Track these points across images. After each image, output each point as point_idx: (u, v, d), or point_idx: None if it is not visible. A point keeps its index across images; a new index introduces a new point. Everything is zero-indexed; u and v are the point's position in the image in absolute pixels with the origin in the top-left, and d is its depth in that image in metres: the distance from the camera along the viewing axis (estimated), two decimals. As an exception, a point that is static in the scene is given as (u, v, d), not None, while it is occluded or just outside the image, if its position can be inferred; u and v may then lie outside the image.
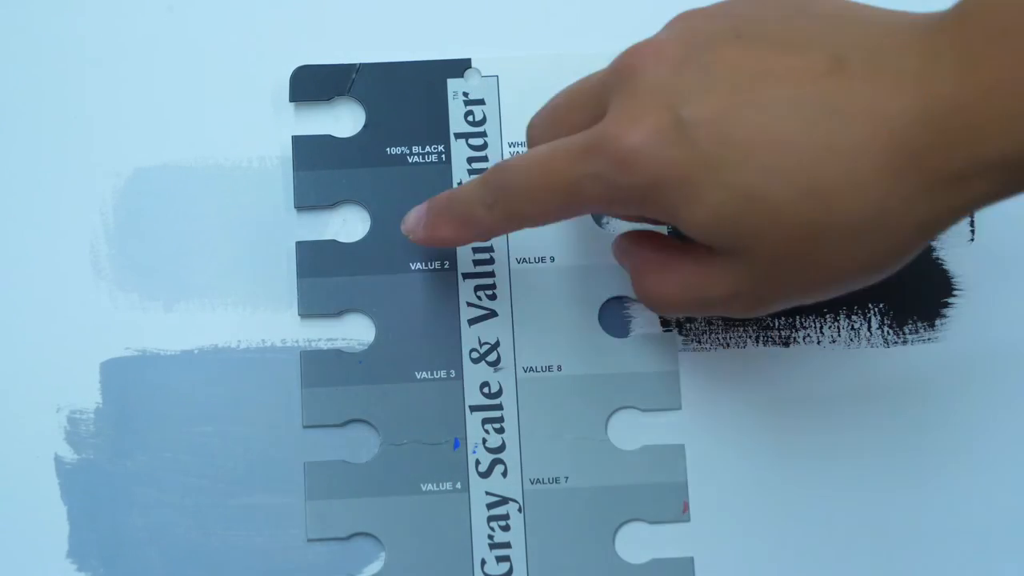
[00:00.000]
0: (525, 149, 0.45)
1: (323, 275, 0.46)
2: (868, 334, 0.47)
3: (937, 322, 0.47)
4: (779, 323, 0.47)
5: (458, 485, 0.45)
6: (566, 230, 0.46)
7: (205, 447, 0.46)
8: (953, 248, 0.48)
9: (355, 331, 0.47)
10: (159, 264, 0.48)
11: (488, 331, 0.46)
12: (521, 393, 0.45)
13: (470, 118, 0.47)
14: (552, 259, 0.46)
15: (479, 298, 0.46)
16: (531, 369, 0.45)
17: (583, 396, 0.45)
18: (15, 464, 0.46)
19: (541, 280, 0.46)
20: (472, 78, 0.47)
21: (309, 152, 0.47)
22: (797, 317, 0.47)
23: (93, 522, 0.46)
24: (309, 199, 0.47)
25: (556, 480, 0.45)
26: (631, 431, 0.46)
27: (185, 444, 0.46)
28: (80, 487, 0.46)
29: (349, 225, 0.47)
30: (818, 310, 0.47)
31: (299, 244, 0.47)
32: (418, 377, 0.45)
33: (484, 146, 0.47)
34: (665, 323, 0.47)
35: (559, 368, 0.45)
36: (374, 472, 0.45)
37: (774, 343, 0.47)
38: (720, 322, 0.47)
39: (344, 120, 0.48)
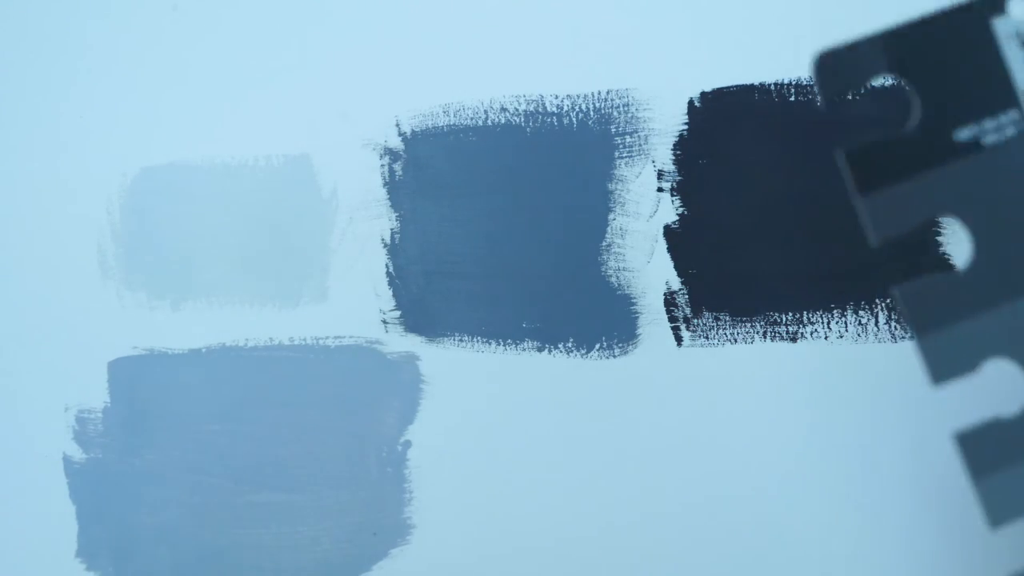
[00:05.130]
0: None
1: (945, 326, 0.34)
2: (876, 329, 0.47)
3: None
4: (786, 319, 0.47)
5: None
6: None
7: (213, 445, 0.46)
8: (959, 243, 0.48)
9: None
10: (166, 263, 0.48)
11: None
12: None
13: None
14: None
15: None
16: None
17: None
18: (24, 464, 0.46)
19: None
20: (1020, 10, 0.35)
21: (868, 167, 0.35)
22: (804, 313, 0.47)
23: (102, 521, 0.46)
24: (888, 226, 0.34)
25: None
26: None
27: (193, 442, 0.46)
28: (89, 486, 0.46)
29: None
30: (825, 305, 0.47)
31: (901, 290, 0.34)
32: None
33: None
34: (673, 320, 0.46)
35: None
36: None
37: (781, 339, 0.47)
38: (728, 317, 0.47)
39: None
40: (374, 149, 0.49)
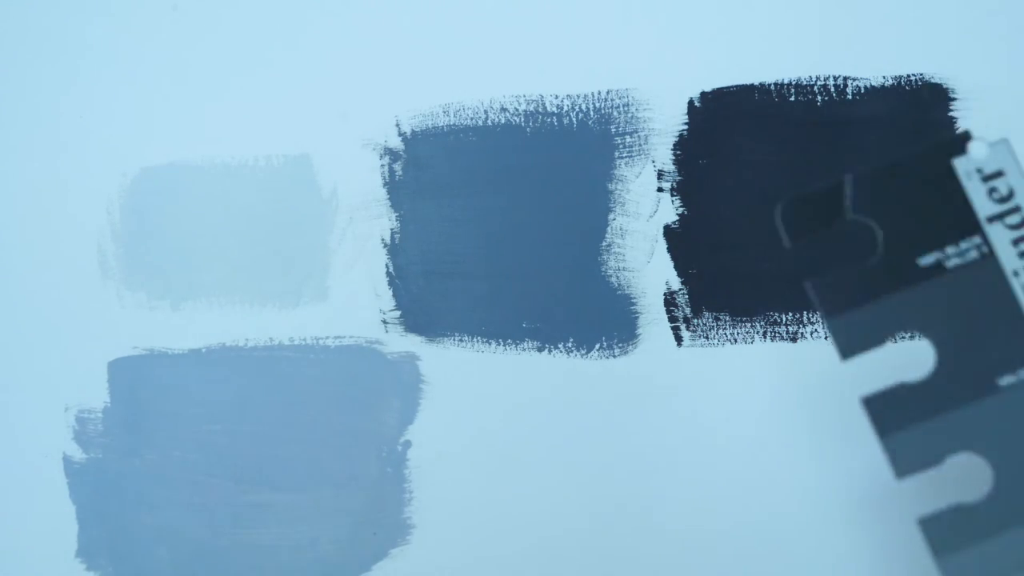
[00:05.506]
0: None
1: (909, 425, 0.38)
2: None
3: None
4: (786, 319, 0.47)
5: None
6: None
7: (213, 445, 0.46)
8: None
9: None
10: (166, 263, 0.48)
11: None
12: None
13: (995, 195, 0.39)
14: None
15: None
16: None
17: None
18: (24, 463, 0.46)
19: None
20: (978, 150, 0.39)
21: (835, 296, 0.38)
22: (804, 313, 0.47)
23: (102, 521, 0.46)
24: (854, 347, 0.38)
25: None
26: None
27: (193, 442, 0.46)
28: (89, 486, 0.46)
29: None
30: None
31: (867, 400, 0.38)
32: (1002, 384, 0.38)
33: (1023, 223, 0.38)
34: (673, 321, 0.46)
35: None
36: (997, 509, 0.37)
37: (781, 339, 0.47)
38: (728, 317, 0.47)
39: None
40: (374, 149, 0.49)
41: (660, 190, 0.47)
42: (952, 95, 0.49)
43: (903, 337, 0.41)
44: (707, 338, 0.47)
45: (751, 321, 0.47)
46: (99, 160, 0.48)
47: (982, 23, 0.49)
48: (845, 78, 0.49)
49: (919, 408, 0.37)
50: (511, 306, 0.48)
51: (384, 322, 0.48)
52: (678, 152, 0.47)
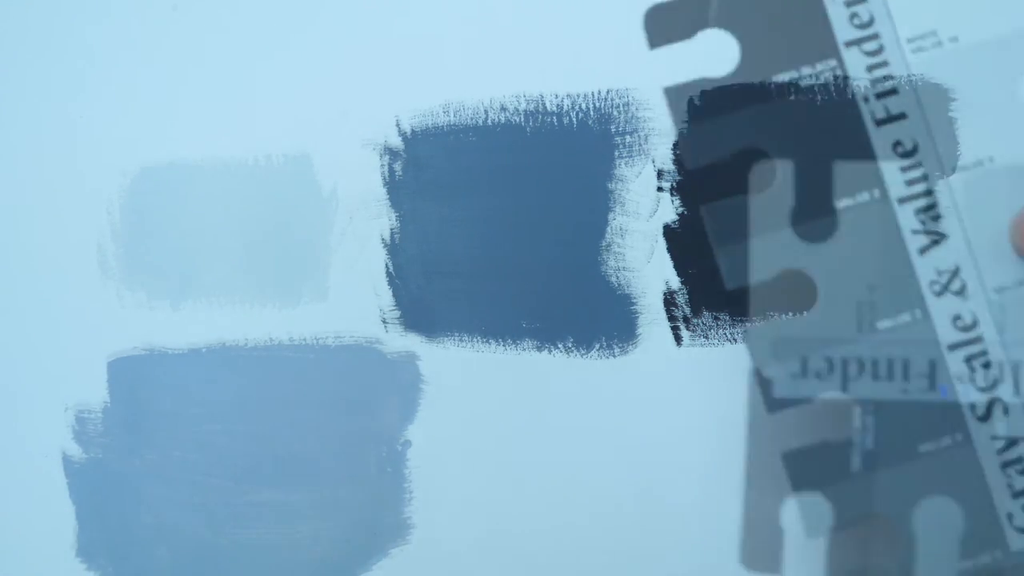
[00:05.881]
0: (925, 43, 0.40)
1: (739, 241, 0.41)
2: (875, 329, 0.47)
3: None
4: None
5: (958, 437, 0.40)
6: (998, 120, 0.40)
7: (213, 445, 0.46)
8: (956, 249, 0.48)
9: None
10: (166, 262, 0.48)
11: (943, 258, 0.40)
12: (999, 316, 0.39)
13: (856, 20, 0.41)
14: (991, 159, 0.40)
15: (922, 223, 0.40)
16: (1003, 289, 0.39)
17: None
18: (23, 463, 0.46)
19: (985, 186, 0.40)
20: None
21: (688, 102, 0.41)
22: (804, 313, 0.47)
23: (101, 520, 0.46)
24: (703, 156, 0.41)
25: None
26: None
27: (193, 442, 0.46)
28: (88, 485, 0.46)
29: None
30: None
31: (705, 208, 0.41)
32: (879, 327, 0.40)
33: (880, 49, 0.40)
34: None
35: None
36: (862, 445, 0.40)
37: (781, 339, 0.47)
38: (728, 317, 0.47)
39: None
40: (374, 148, 0.49)
41: (660, 190, 0.47)
42: (952, 95, 0.49)
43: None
44: (707, 338, 0.47)
45: (751, 321, 0.47)
46: (99, 159, 0.48)
47: (982, 22, 0.49)
48: (845, 77, 0.49)
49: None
50: (511, 305, 0.48)
51: (384, 321, 0.48)
52: (678, 152, 0.47)
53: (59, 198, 0.48)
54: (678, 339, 0.47)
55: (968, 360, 0.39)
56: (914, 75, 0.39)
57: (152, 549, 0.46)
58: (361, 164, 0.49)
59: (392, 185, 0.49)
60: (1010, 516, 0.39)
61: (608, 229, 0.48)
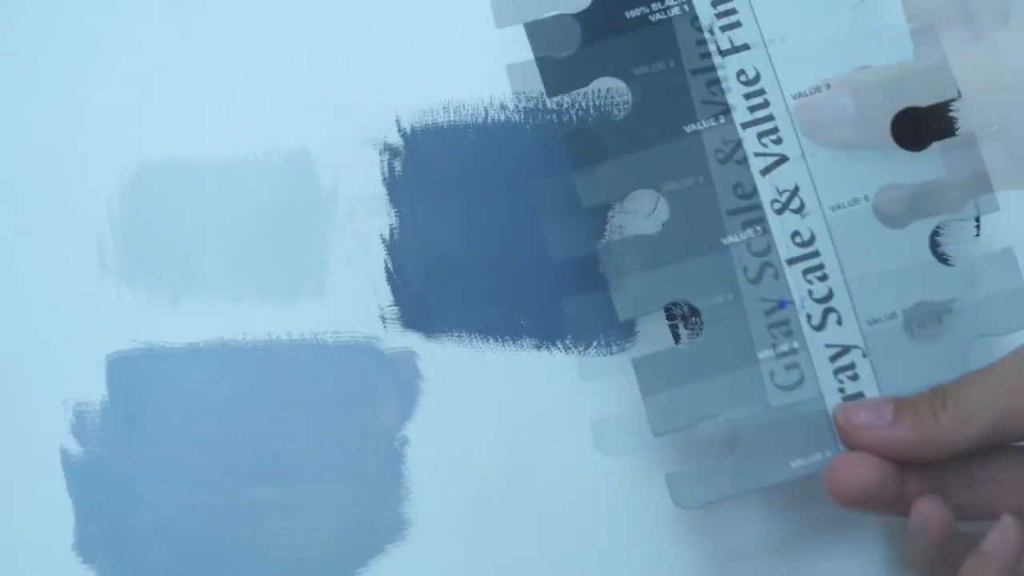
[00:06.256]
0: None
1: (599, 161, 0.42)
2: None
3: (943, 317, 0.47)
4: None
5: (795, 344, 0.42)
6: (835, 50, 0.43)
7: (211, 441, 0.46)
8: (958, 244, 0.48)
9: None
10: (165, 258, 0.48)
11: (783, 178, 0.42)
12: (835, 233, 0.42)
13: None
14: (828, 86, 0.42)
15: (764, 145, 0.42)
16: (839, 207, 0.42)
17: (900, 220, 0.42)
18: (21, 457, 0.46)
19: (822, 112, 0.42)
20: None
21: (545, 36, 0.43)
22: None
23: (99, 516, 0.46)
24: (560, 87, 0.43)
25: (894, 316, 0.42)
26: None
27: (191, 438, 0.46)
28: (86, 481, 0.46)
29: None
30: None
31: (565, 134, 0.44)
32: (725, 243, 0.42)
33: None
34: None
35: (866, 199, 0.42)
36: (706, 352, 0.42)
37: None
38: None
39: None
40: (374, 146, 0.49)
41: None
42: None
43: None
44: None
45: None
46: (98, 155, 0.49)
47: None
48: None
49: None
50: (509, 304, 0.48)
51: (383, 319, 0.48)
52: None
53: (59, 194, 0.48)
54: (676, 337, 0.47)
55: (805, 273, 0.42)
56: (755, 8, 0.43)
57: (150, 545, 0.46)
58: (361, 161, 0.49)
59: (392, 182, 0.49)
60: (772, 374, 0.41)
61: (607, 228, 0.48)
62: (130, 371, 0.47)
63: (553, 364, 0.47)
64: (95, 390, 0.47)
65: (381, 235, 0.48)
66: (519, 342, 0.48)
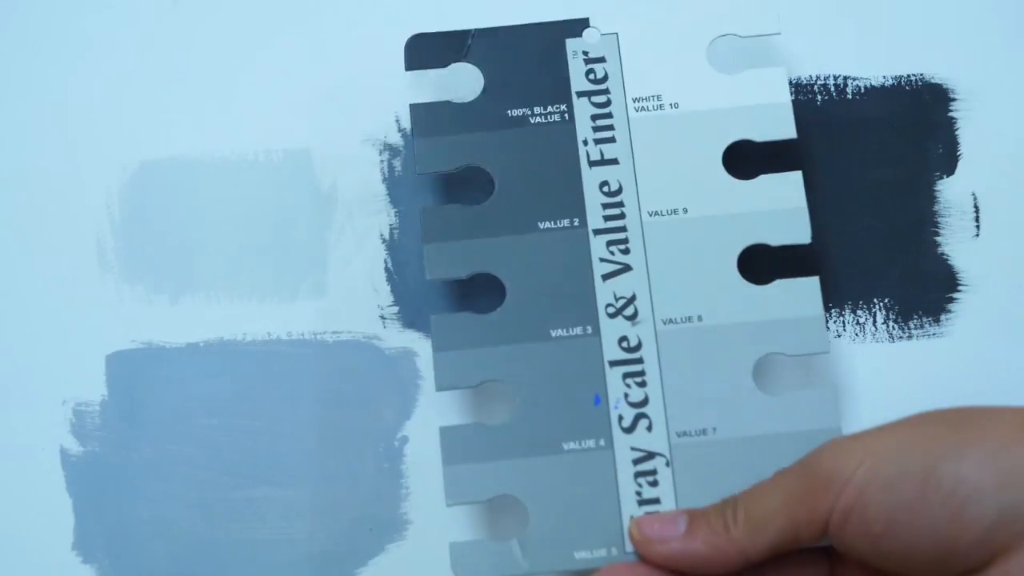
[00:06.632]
0: (648, 104, 0.46)
1: (450, 239, 0.44)
2: (873, 329, 0.47)
3: (942, 317, 0.47)
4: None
5: (601, 442, 0.43)
6: (698, 180, 0.45)
7: (210, 440, 0.46)
8: (958, 244, 0.48)
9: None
10: (165, 257, 0.48)
11: (623, 286, 0.44)
12: (662, 345, 0.43)
13: (591, 76, 0.46)
14: (685, 211, 0.45)
15: (612, 253, 0.44)
16: (671, 321, 0.44)
17: (726, 345, 0.43)
18: (21, 456, 0.46)
19: (675, 232, 0.45)
20: (591, 36, 0.46)
21: (428, 119, 0.45)
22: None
23: (98, 514, 0.46)
24: (431, 164, 0.45)
25: (704, 432, 0.43)
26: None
27: (190, 437, 0.46)
28: (85, 479, 0.46)
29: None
30: (823, 305, 0.47)
31: (424, 209, 0.45)
32: (553, 335, 0.44)
33: (608, 103, 0.46)
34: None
35: (699, 319, 0.44)
36: (513, 433, 0.43)
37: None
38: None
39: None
40: (373, 145, 0.49)
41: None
42: (952, 95, 0.49)
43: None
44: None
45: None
46: (98, 154, 0.49)
47: (982, 23, 0.49)
48: (845, 77, 0.49)
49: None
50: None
51: (382, 318, 0.48)
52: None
53: (59, 193, 0.48)
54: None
55: (624, 376, 0.43)
56: (632, 129, 0.45)
57: (149, 543, 0.46)
58: (360, 160, 0.49)
59: (391, 181, 0.49)
60: (572, 465, 0.43)
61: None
62: (130, 370, 0.47)
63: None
64: (95, 389, 0.47)
65: (381, 234, 0.48)
66: (519, 341, 0.47)
